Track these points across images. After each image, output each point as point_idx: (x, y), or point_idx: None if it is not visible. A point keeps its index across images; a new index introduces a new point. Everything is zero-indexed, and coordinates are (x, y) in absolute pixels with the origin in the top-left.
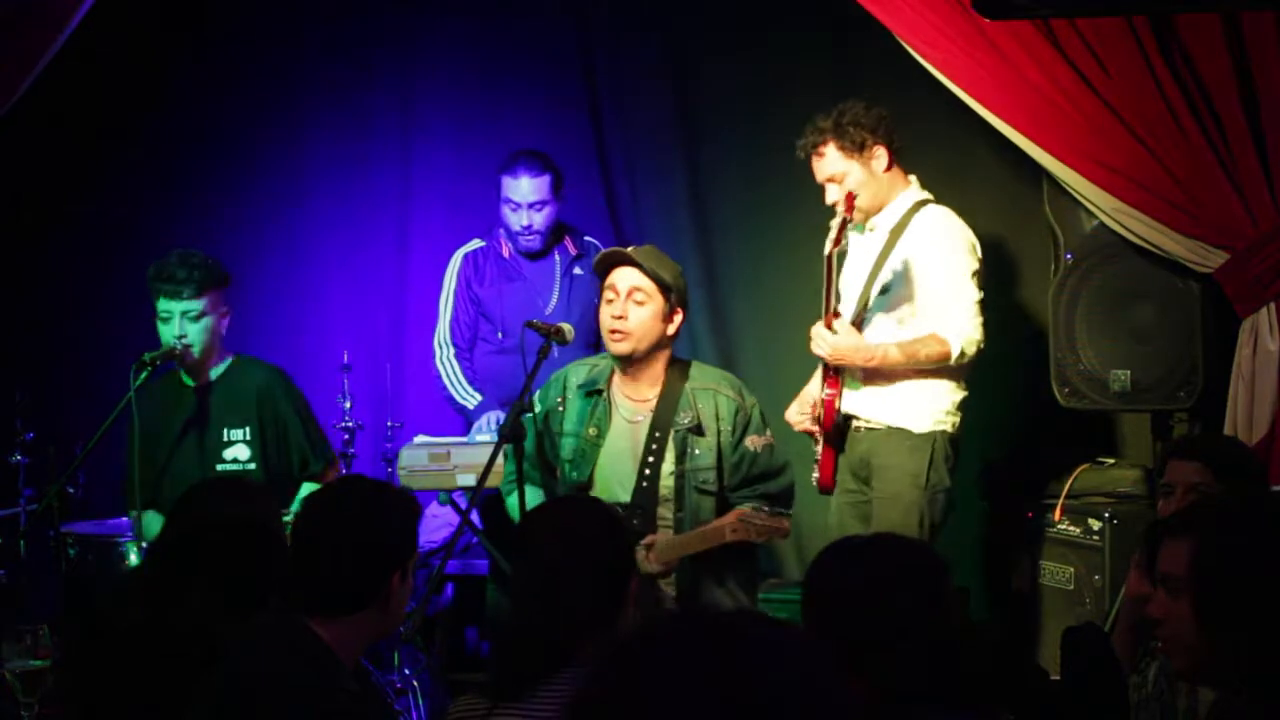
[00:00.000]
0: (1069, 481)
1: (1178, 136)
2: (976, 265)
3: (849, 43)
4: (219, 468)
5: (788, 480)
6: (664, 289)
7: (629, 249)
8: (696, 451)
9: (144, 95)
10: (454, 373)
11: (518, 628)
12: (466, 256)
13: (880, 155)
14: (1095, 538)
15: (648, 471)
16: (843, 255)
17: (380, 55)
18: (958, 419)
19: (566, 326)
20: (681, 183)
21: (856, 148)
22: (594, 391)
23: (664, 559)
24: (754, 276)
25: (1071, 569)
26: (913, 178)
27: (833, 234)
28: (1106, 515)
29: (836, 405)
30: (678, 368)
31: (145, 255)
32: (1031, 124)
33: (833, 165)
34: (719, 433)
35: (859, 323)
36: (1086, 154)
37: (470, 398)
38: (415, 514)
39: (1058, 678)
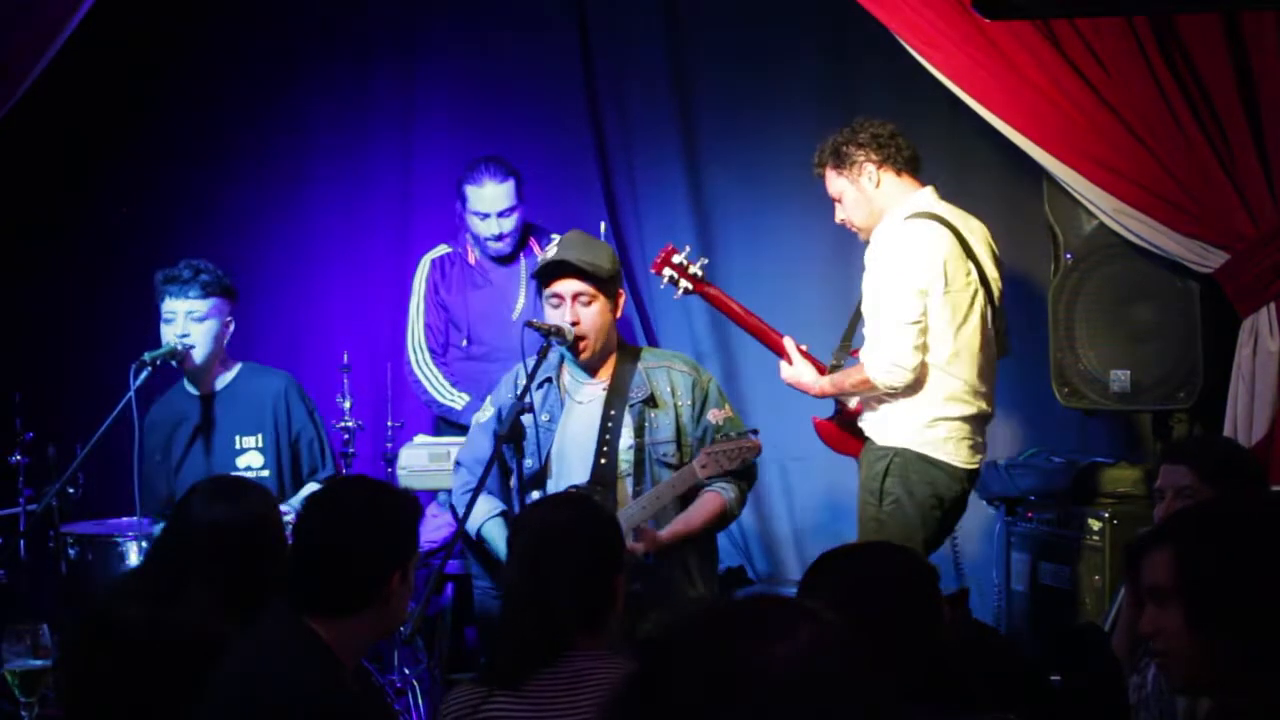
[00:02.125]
0: (1070, 482)
1: (1178, 137)
2: (914, 282)
3: (849, 43)
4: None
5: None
6: (604, 282)
7: (568, 254)
8: (655, 425)
9: (144, 96)
10: (433, 376)
11: (512, 621)
12: (434, 262)
13: (870, 173)
14: (1095, 538)
15: (605, 448)
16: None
17: (381, 56)
18: (936, 436)
19: (566, 326)
20: (682, 183)
21: (847, 167)
22: (544, 381)
23: (635, 523)
24: (755, 276)
25: (1071, 569)
26: (926, 190)
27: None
28: (1106, 515)
29: (820, 420)
30: (628, 351)
31: (145, 255)
32: (1031, 124)
33: (830, 186)
34: (677, 406)
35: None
36: (1086, 154)
37: (456, 399)
38: (416, 514)
39: (1058, 678)
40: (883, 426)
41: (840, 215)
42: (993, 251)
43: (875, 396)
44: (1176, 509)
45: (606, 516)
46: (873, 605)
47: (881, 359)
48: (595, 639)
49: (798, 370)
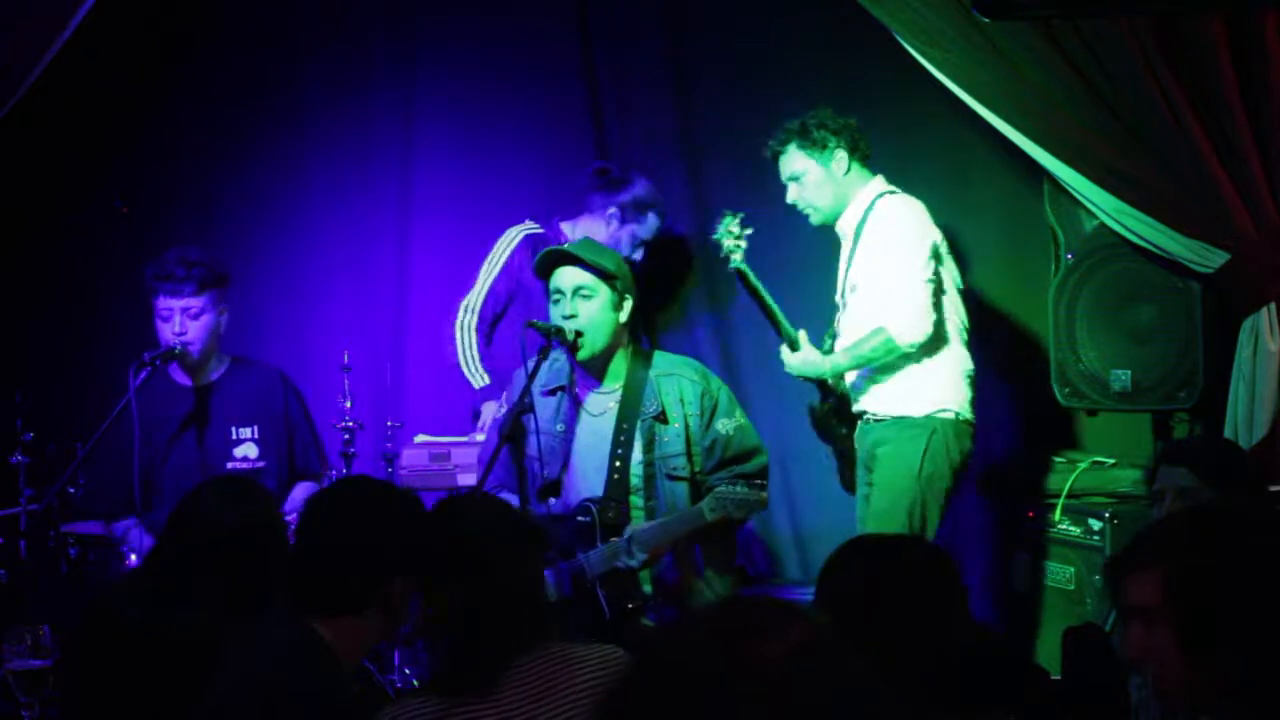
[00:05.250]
0: (1069, 481)
1: (1178, 137)
2: (925, 251)
3: (849, 43)
4: (228, 466)
5: (762, 460)
6: (608, 278)
7: (568, 247)
8: (664, 439)
9: (144, 97)
10: (469, 344)
11: (482, 623)
12: (527, 237)
13: (840, 159)
14: (1095, 538)
15: (618, 463)
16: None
17: (382, 55)
18: (964, 399)
19: (567, 326)
20: (682, 183)
21: (818, 147)
22: (556, 389)
23: (649, 548)
24: (754, 270)
25: (1072, 569)
26: (879, 177)
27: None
28: (1106, 515)
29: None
30: (640, 357)
31: (146, 256)
32: (1031, 124)
33: (793, 164)
34: (685, 417)
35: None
36: (1087, 154)
37: (476, 376)
38: (419, 515)
39: (1058, 678)
40: (916, 398)
41: (796, 195)
42: None
43: (896, 370)
44: (1163, 517)
45: (515, 512)
46: (892, 600)
47: (904, 316)
48: (548, 631)
49: (806, 354)
